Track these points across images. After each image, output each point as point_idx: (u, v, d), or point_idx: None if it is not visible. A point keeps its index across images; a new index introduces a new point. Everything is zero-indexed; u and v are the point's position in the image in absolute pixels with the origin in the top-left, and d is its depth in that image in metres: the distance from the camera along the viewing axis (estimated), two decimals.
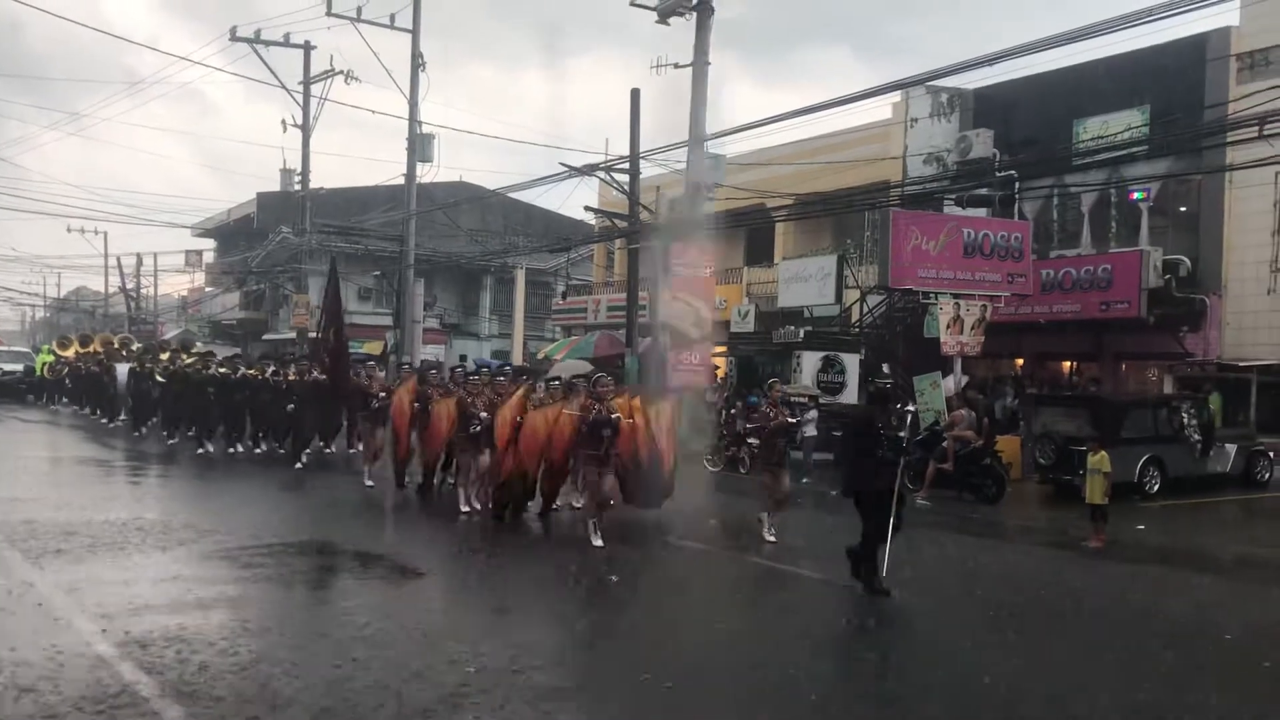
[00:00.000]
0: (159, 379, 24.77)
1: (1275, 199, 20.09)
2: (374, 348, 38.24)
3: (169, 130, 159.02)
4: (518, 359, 38.08)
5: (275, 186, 40.52)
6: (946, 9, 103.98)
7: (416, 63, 31.04)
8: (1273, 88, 14.49)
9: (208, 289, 57.13)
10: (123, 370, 27.97)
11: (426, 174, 31.76)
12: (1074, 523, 13.80)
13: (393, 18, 30.38)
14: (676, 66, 23.17)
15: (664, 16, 22.51)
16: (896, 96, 26.58)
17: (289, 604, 8.81)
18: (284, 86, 34.52)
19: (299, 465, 18.77)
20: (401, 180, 31.88)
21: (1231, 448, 18.39)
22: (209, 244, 56.41)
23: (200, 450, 20.63)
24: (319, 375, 19.44)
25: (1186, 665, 7.58)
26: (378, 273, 40.94)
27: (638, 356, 24.47)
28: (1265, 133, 12.90)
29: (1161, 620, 9.10)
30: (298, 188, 36.62)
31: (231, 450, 20.93)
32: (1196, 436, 17.69)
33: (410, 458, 15.76)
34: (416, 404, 15.25)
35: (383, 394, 16.29)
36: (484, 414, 13.22)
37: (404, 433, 15.56)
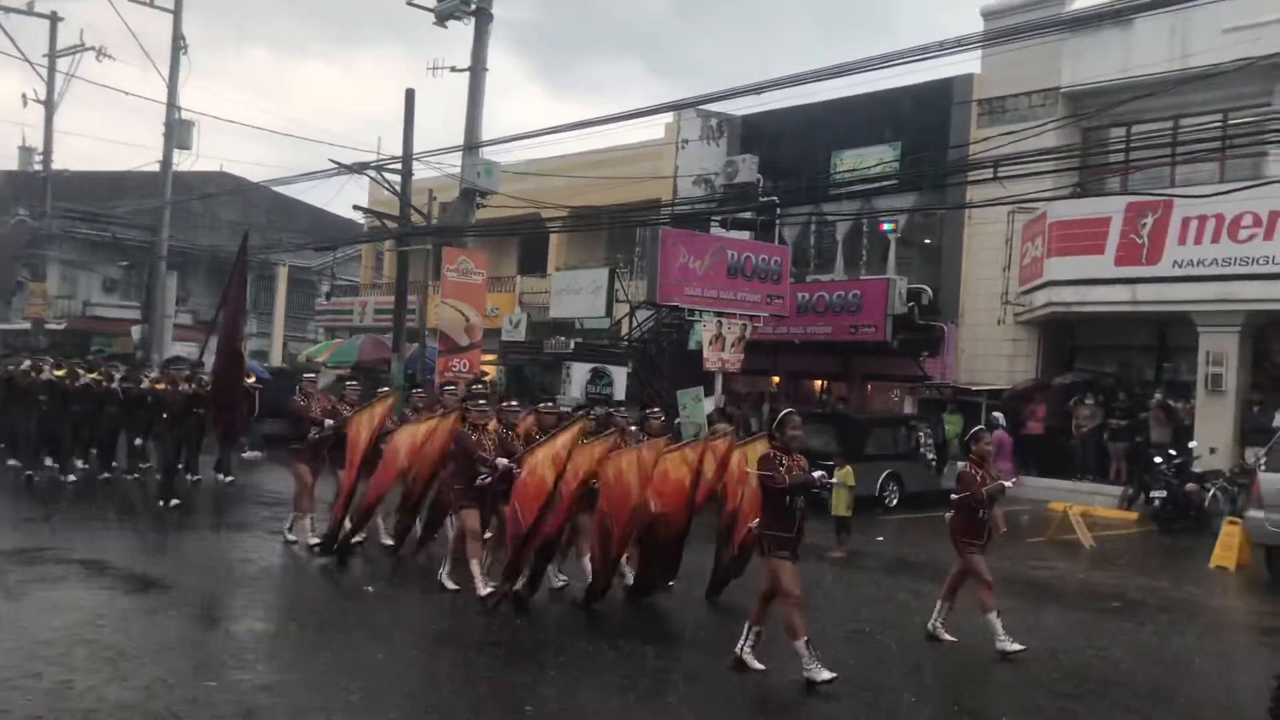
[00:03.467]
0: None
1: (1007, 236, 21.83)
2: (123, 344, 36.08)
3: None
4: (276, 360, 36.82)
5: (13, 165, 37.68)
6: (735, 33, 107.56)
7: (178, 45, 29.59)
8: (1007, 133, 15.76)
9: None
10: None
11: (185, 162, 30.29)
12: (821, 534, 14.52)
13: None
14: (454, 70, 23.08)
15: (442, 19, 22.37)
16: (669, 117, 27.33)
17: None
18: (25, 58, 32.18)
19: (171, 504, 14.15)
20: (157, 167, 30.29)
21: (963, 465, 19.77)
22: None
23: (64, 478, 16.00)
24: (194, 385, 15.35)
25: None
26: (126, 263, 38.63)
27: (404, 361, 24.11)
28: (999, 175, 14.01)
29: (878, 619, 9.70)
30: (39, 168, 34.17)
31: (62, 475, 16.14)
32: (931, 455, 18.96)
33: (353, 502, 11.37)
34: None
35: (328, 421, 11.93)
36: (502, 460, 9.56)
37: (353, 477, 11.31)
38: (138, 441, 16.91)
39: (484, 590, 9.38)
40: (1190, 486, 16.60)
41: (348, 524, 11.10)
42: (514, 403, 11.44)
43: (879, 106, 23.44)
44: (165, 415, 15.28)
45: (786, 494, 7.48)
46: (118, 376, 17.01)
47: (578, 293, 26.96)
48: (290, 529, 12.08)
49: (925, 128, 23.31)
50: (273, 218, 42.90)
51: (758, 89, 16.40)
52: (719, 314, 20.79)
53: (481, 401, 10.22)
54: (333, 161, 24.15)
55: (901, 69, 14.93)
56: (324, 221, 40.70)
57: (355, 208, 28.80)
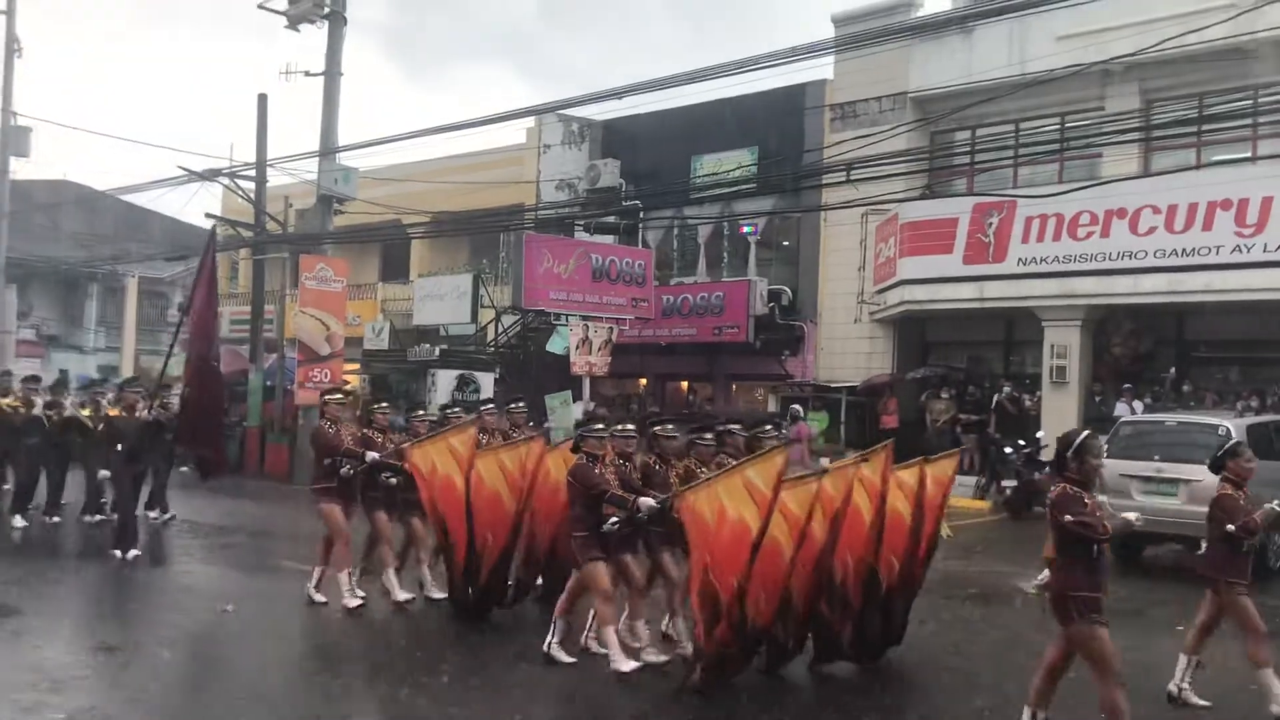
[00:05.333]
0: None
1: (861, 238, 22.45)
2: None
3: None
4: (128, 373, 35.44)
5: None
6: (603, 36, 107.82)
7: (11, 47, 28.31)
8: (858, 137, 16.21)
9: None
10: None
11: (23, 169, 28.99)
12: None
13: None
14: (308, 74, 22.59)
15: (294, 23, 21.88)
16: (530, 122, 27.29)
17: None
18: None
19: (128, 554, 11.73)
20: None
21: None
22: None
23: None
24: (154, 408, 12.64)
25: None
26: None
27: (263, 372, 23.50)
28: (852, 178, 14.41)
29: None
30: None
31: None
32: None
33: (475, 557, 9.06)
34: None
35: (369, 453, 9.59)
36: (647, 500, 7.50)
37: (460, 521, 8.98)
38: (103, 473, 13.02)
39: (656, 658, 7.77)
40: (1039, 475, 17.32)
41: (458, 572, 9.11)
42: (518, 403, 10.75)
43: (737, 111, 23.84)
44: (120, 446, 12.07)
45: (1098, 544, 5.92)
46: (40, 402, 14.36)
47: (441, 299, 26.68)
48: (316, 586, 9.73)
49: (781, 132, 23.82)
50: (121, 227, 41.28)
51: (618, 93, 16.53)
52: (585, 318, 20.88)
53: (599, 426, 8.20)
54: (183, 169, 23.44)
55: (758, 74, 15.28)
56: (176, 230, 39.33)
57: (207, 215, 27.87)
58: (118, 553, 11.64)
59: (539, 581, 9.46)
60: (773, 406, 23.35)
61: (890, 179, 15.41)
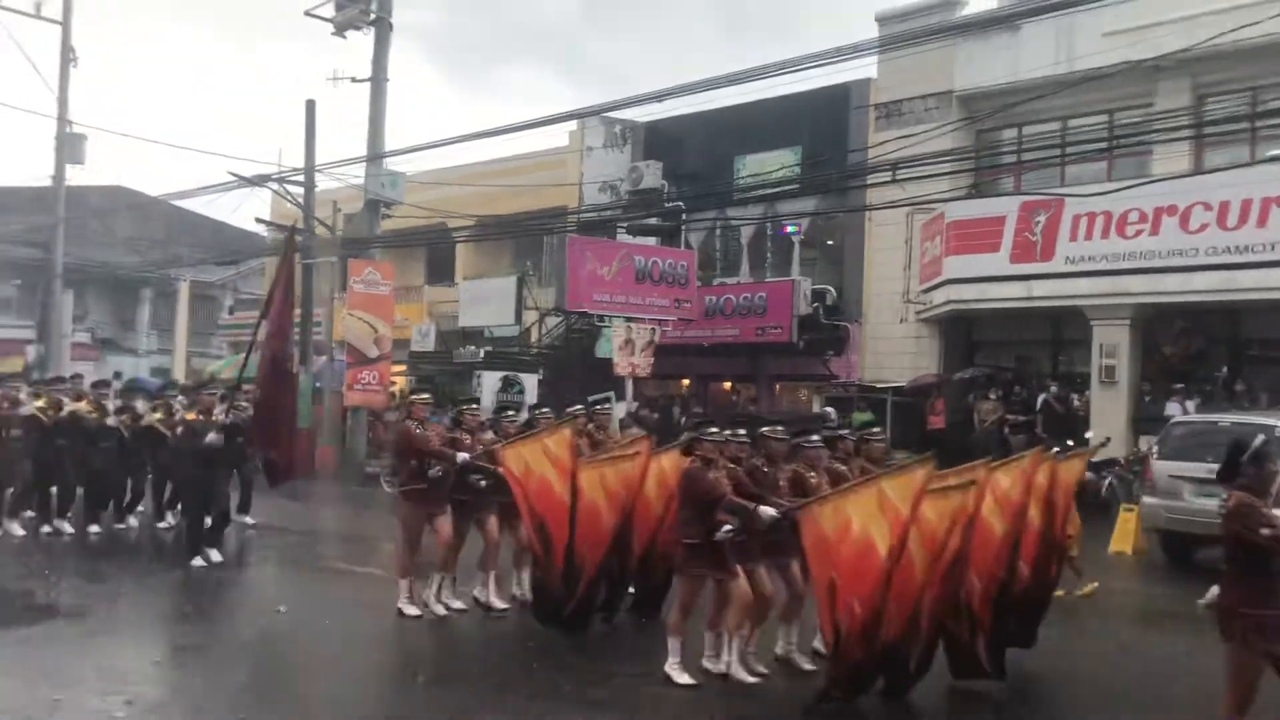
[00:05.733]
0: None
1: (906, 236, 22.31)
2: (14, 364, 34.92)
3: None
4: (180, 376, 35.99)
5: None
6: (645, 34, 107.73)
7: (67, 57, 28.85)
8: (903, 136, 16.15)
9: None
10: None
11: (78, 176, 29.56)
12: None
13: (39, 6, 28.04)
14: (354, 80, 22.88)
15: (341, 29, 22.20)
16: (573, 125, 27.39)
17: None
18: None
19: (206, 561, 11.50)
20: (49, 181, 29.48)
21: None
22: None
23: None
24: (230, 411, 11.98)
25: None
26: (18, 281, 37.46)
27: (312, 375, 23.79)
28: (897, 178, 14.36)
29: None
30: None
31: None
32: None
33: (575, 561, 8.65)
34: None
35: (460, 455, 9.20)
36: (768, 510, 7.11)
37: (561, 525, 8.61)
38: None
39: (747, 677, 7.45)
40: (1088, 476, 17.13)
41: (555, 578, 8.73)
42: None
43: (780, 111, 23.73)
44: (197, 451, 11.66)
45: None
46: (112, 408, 13.95)
47: (486, 301, 26.88)
48: (437, 595, 9.45)
49: (825, 131, 23.72)
50: (172, 232, 41.94)
51: (659, 96, 16.59)
52: (628, 319, 20.93)
53: (713, 429, 7.60)
54: (233, 174, 23.77)
55: (802, 74, 15.26)
56: (225, 234, 39.90)
57: (258, 220, 28.29)
58: (198, 560, 11.36)
59: (630, 590, 9.22)
60: (817, 407, 23.26)
61: (936, 179, 15.32)
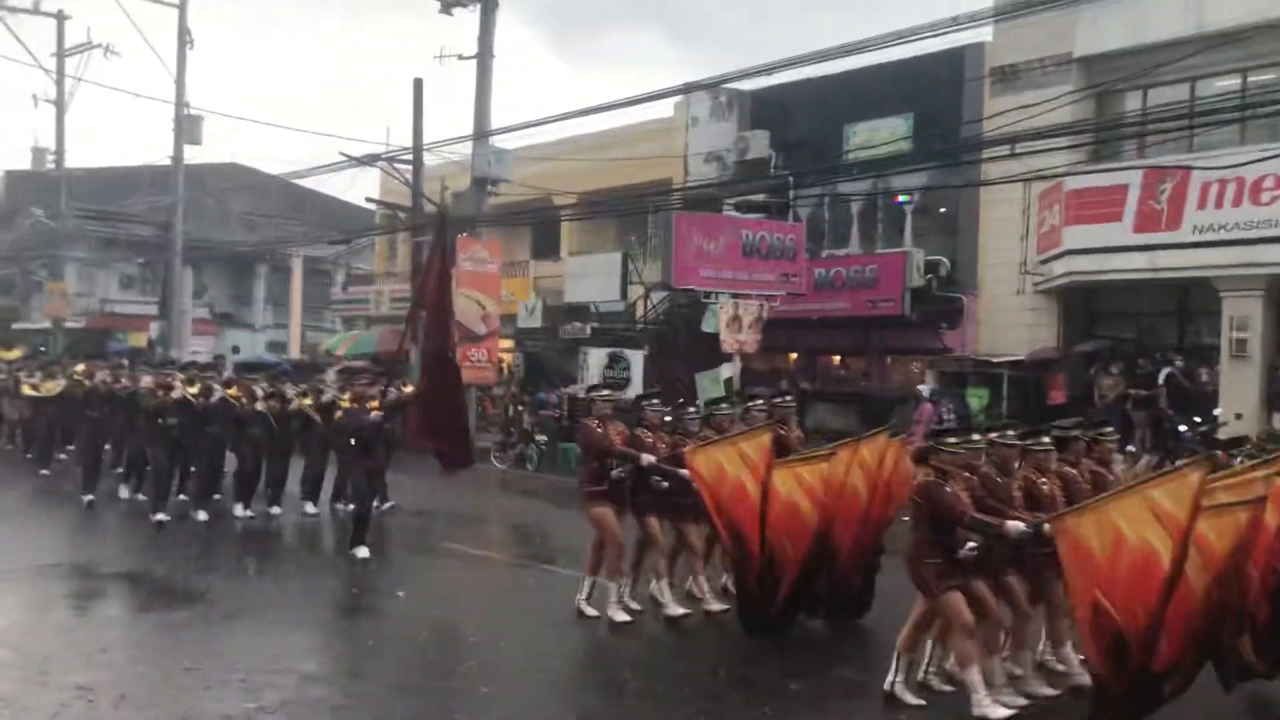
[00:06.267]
0: (31, 393, 16.88)
1: (1024, 206, 21.60)
2: (138, 339, 36.26)
3: None
4: (295, 352, 36.95)
5: (25, 164, 37.75)
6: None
7: (184, 40, 29.62)
8: (1022, 107, 15.55)
9: None
10: None
11: (196, 156, 30.43)
12: None
13: None
14: (461, 58, 22.98)
15: (447, 7, 22.28)
16: (678, 95, 27.10)
17: None
18: (35, 60, 32.21)
19: (358, 551, 11.38)
20: (167, 161, 30.38)
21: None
22: None
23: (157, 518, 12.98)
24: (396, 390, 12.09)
25: None
26: (142, 260, 38.79)
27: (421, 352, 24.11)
28: (1016, 151, 13.86)
29: None
30: (51, 166, 34.27)
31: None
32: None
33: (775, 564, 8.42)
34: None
35: (645, 456, 9.01)
36: (1015, 523, 6.70)
37: (755, 529, 8.35)
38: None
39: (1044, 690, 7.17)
40: (1217, 454, 16.44)
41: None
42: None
43: (891, 77, 23.08)
44: (354, 440, 11.76)
45: None
46: (261, 392, 13.98)
47: (592, 276, 26.86)
48: (588, 598, 9.11)
49: (938, 97, 23.02)
50: (284, 208, 42.97)
51: (768, 69, 16.32)
52: (735, 295, 20.71)
53: (951, 440, 7.11)
54: (343, 154, 24.14)
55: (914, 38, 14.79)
56: (336, 211, 40.72)
57: (368, 200, 28.79)
58: (357, 551, 11.25)
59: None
60: (930, 382, 22.77)
61: (1055, 152, 14.74)
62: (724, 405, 9.86)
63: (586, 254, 28.37)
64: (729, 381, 19.90)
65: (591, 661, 8.42)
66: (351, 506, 12.38)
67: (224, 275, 43.87)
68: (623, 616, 8.83)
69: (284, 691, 6.89)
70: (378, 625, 9.08)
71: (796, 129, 25.21)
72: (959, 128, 21.47)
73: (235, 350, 38.62)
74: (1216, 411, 17.51)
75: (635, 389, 22.83)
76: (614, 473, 8.85)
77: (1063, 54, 21.23)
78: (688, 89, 21.52)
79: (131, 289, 41.84)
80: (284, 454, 14.09)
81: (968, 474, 6.87)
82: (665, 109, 28.75)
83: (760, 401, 10.03)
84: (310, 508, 14.12)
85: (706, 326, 22.10)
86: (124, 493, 14.63)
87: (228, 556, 11.60)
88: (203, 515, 13.32)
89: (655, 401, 9.67)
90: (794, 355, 26.33)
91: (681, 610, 8.96)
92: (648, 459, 8.77)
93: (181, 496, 13.81)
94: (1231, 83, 19.12)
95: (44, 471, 16.91)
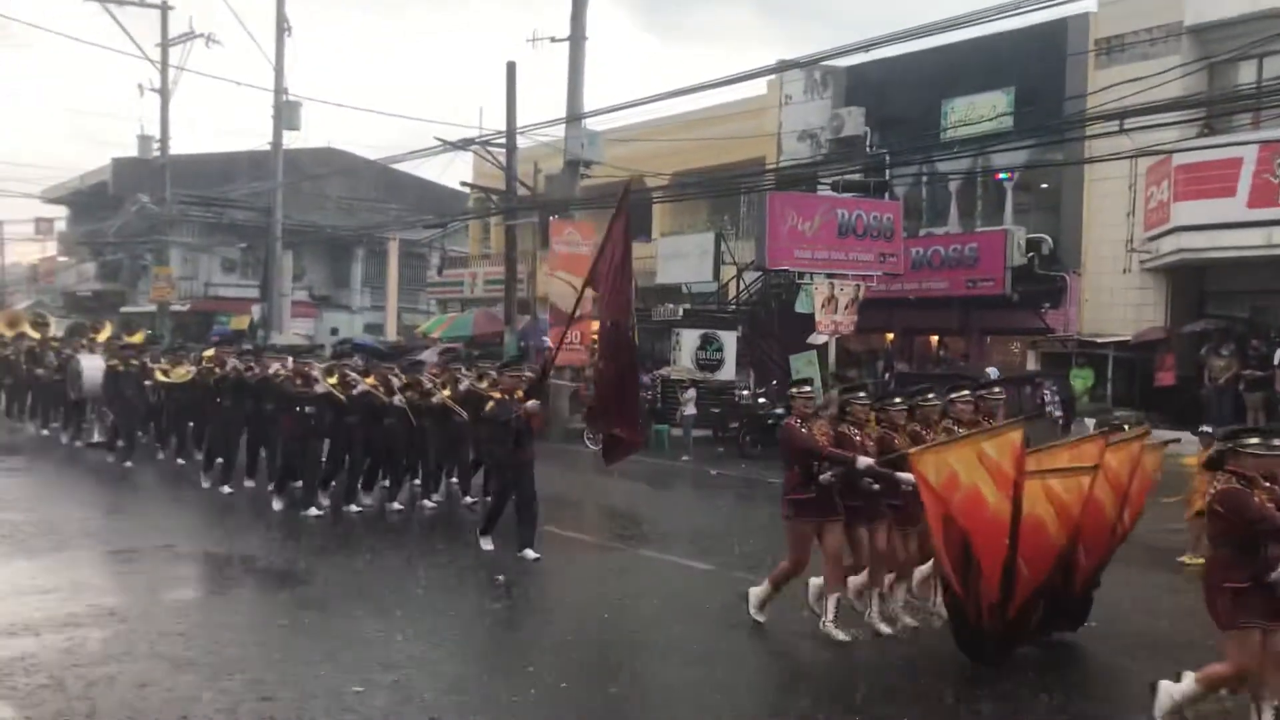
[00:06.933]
0: (162, 379, 16.21)
1: (1130, 182, 20.95)
2: (240, 322, 37.21)
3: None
4: (391, 334, 37.51)
5: (132, 152, 38.76)
6: None
7: (282, 28, 30.13)
8: (1129, 81, 15.03)
9: (60, 258, 54.52)
10: (90, 365, 17.51)
11: (293, 141, 31.01)
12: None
13: None
14: (553, 40, 23.00)
15: None
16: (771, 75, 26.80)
17: None
18: (140, 50, 33.05)
19: (484, 543, 10.90)
20: (266, 146, 30.99)
21: (1090, 422, 19.19)
22: (60, 211, 53.77)
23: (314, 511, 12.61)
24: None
25: None
26: (244, 244, 39.72)
27: (517, 333, 24.30)
28: (1125, 128, 13.42)
29: None
30: (156, 154, 35.21)
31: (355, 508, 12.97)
32: (1058, 413, 18.44)
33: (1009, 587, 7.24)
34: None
35: (862, 460, 7.90)
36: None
37: (989, 540, 7.11)
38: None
39: None
40: None
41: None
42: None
43: (991, 50, 22.53)
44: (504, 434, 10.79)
45: None
46: (398, 384, 13.26)
47: (684, 257, 26.78)
48: (834, 618, 7.98)
49: (1040, 70, 22.39)
50: (379, 191, 43.59)
51: (868, 45, 15.98)
52: (831, 275, 20.46)
53: (1252, 441, 5.87)
54: (438, 139, 24.35)
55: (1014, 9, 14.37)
56: (430, 194, 41.18)
57: (463, 184, 29.07)
58: (486, 544, 10.79)
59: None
60: (1033, 363, 22.26)
61: (1164, 127, 14.23)
62: (807, 386, 8.72)
63: (678, 235, 28.26)
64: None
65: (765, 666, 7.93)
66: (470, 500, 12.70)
67: (322, 258, 44.73)
68: (843, 637, 7.85)
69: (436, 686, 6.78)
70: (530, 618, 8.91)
71: (892, 105, 24.76)
72: (1062, 102, 20.86)
73: (334, 332, 39.40)
74: None
75: (728, 371, 22.77)
76: (821, 477, 7.93)
77: (1173, 23, 20.52)
78: (782, 68, 21.20)
79: (233, 273, 42.91)
80: (421, 445, 13.56)
81: (1268, 483, 5.75)
82: (758, 87, 28.48)
83: (966, 393, 8.76)
84: (430, 501, 13.71)
85: (800, 307, 21.87)
86: (248, 482, 14.29)
87: (381, 549, 11.14)
88: (322, 505, 12.85)
89: (861, 395, 8.50)
90: (890, 335, 25.95)
91: (889, 628, 8.12)
92: (865, 461, 7.82)
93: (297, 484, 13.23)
94: None
95: (180, 461, 16.71)
